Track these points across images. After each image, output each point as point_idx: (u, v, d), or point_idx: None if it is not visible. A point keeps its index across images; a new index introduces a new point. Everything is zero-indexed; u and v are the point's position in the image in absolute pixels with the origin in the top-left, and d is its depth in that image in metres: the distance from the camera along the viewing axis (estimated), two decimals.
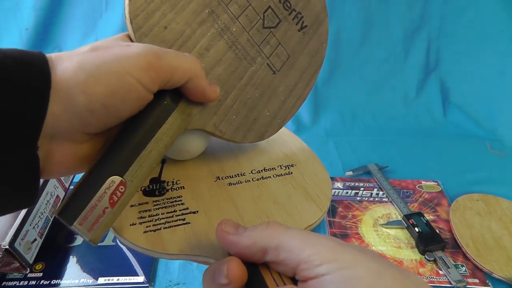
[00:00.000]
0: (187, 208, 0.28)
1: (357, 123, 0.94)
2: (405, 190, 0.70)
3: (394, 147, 0.84)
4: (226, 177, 0.31)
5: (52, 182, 0.58)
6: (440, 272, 0.55)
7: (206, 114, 0.28)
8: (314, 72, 0.33)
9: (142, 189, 0.30)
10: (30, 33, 0.96)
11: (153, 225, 0.27)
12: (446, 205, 0.67)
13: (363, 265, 0.19)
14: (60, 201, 0.61)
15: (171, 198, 0.29)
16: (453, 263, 0.56)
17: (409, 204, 0.66)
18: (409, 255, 0.58)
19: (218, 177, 0.31)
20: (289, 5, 0.31)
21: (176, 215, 0.28)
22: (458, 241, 0.59)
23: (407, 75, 0.99)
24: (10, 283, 0.53)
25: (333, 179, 0.73)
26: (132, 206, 0.28)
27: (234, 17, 0.29)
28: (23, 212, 0.51)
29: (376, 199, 0.68)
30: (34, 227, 0.53)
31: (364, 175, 0.75)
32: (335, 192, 0.69)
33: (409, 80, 0.99)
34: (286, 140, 0.37)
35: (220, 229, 0.23)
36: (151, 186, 0.30)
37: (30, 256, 0.52)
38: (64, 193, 0.62)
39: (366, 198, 0.68)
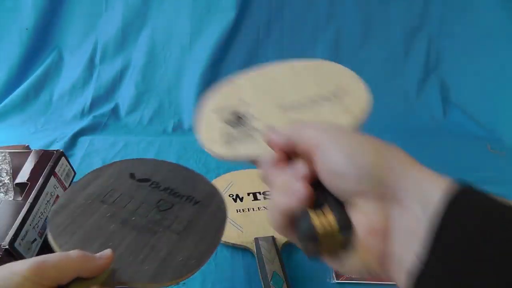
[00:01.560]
0: (257, 131, 0.37)
1: None
2: None
3: None
4: (289, 105, 0.39)
5: (52, 182, 0.58)
6: None
7: (119, 273, 0.33)
8: (220, 224, 0.41)
9: (226, 121, 0.39)
10: (30, 33, 0.96)
11: (231, 141, 0.36)
12: None
13: (355, 138, 0.26)
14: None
15: (246, 125, 0.38)
16: None
17: None
18: None
19: (283, 107, 0.40)
20: (178, 194, 0.42)
21: (248, 135, 0.37)
22: None
23: (407, 75, 0.99)
24: None
25: None
26: (218, 131, 0.38)
27: (132, 212, 0.39)
28: (23, 212, 0.51)
29: None
30: (34, 227, 0.53)
31: None
32: None
33: (409, 80, 0.99)
34: (340, 73, 0.46)
35: (266, 132, 0.31)
36: (232, 119, 0.38)
37: (30, 256, 0.52)
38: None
39: None
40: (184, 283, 0.54)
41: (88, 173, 0.43)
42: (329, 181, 0.25)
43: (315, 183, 0.26)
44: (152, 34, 0.96)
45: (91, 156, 0.81)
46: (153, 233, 0.37)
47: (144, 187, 0.42)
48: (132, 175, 0.43)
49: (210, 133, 0.38)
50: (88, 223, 0.36)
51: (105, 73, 0.98)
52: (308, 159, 0.27)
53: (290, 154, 0.29)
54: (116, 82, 0.98)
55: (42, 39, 0.98)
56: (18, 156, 0.61)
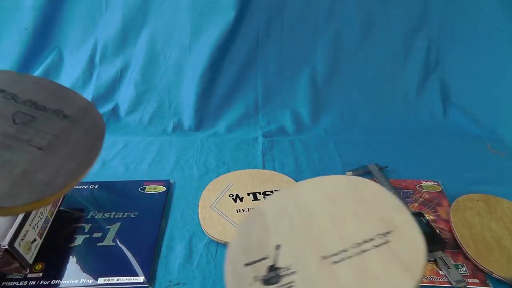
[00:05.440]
0: None
1: (357, 123, 0.94)
2: (405, 190, 0.70)
3: (394, 147, 0.84)
4: (330, 255, 0.34)
5: None
6: (440, 272, 0.55)
7: None
8: (95, 139, 0.34)
9: (262, 279, 0.34)
10: (30, 33, 0.96)
11: None
12: (446, 205, 0.67)
13: None
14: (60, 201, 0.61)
15: (285, 284, 0.33)
16: (453, 263, 0.56)
17: (409, 204, 0.66)
18: None
19: (324, 256, 0.34)
20: (42, 106, 0.35)
21: None
22: (458, 241, 0.59)
23: (407, 75, 0.99)
24: (10, 283, 0.53)
25: None
26: None
27: None
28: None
29: None
30: (34, 227, 0.53)
31: (364, 175, 0.75)
32: None
33: (409, 80, 0.99)
34: (383, 200, 0.39)
35: None
36: (268, 275, 0.34)
37: (29, 256, 0.52)
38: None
39: None
40: (184, 283, 0.54)
41: None
42: None
43: None
44: (152, 34, 0.96)
45: None
46: (6, 148, 0.30)
47: None
48: None
49: None
50: None
51: (105, 73, 0.98)
52: None
53: None
54: (116, 82, 0.98)
55: (42, 39, 0.98)
56: None
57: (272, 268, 0.34)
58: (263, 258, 0.35)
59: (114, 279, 0.54)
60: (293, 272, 0.34)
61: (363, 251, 0.34)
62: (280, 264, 0.35)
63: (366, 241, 0.35)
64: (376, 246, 0.34)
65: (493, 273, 0.54)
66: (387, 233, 0.35)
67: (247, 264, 0.35)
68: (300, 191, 0.42)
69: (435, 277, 0.54)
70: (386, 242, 0.34)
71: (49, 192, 0.28)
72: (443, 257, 0.56)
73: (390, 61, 0.98)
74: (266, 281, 0.34)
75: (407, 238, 0.34)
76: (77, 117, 0.35)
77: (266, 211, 0.41)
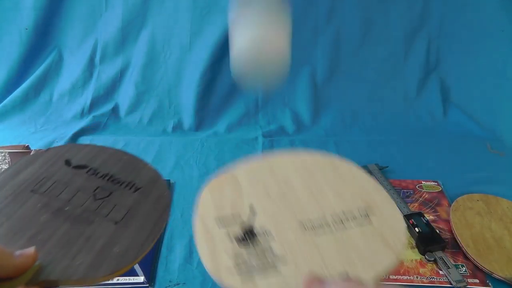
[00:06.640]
0: (278, 257, 0.31)
1: (357, 123, 0.94)
2: (405, 190, 0.70)
3: (394, 147, 0.84)
4: (312, 227, 0.34)
5: None
6: (440, 272, 0.55)
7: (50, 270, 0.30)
8: (162, 212, 0.37)
9: (237, 239, 0.33)
10: (30, 33, 0.96)
11: (248, 273, 0.30)
12: (446, 205, 0.67)
13: None
14: None
15: (263, 248, 0.32)
16: (453, 263, 0.56)
17: (409, 204, 0.66)
18: (409, 255, 0.58)
19: (304, 226, 0.34)
20: (118, 180, 0.38)
21: (267, 264, 0.31)
22: (458, 241, 0.59)
23: (407, 75, 0.99)
24: None
25: None
26: (228, 255, 0.32)
27: (66, 201, 0.35)
28: None
29: None
30: None
31: None
32: None
33: (409, 80, 0.99)
34: (360, 179, 0.39)
35: (306, 283, 0.27)
36: (245, 238, 0.33)
37: None
38: None
39: None
40: (184, 283, 0.54)
41: (19, 160, 0.40)
42: None
43: None
44: (152, 34, 0.96)
45: None
46: (89, 223, 0.34)
47: (80, 174, 0.38)
48: (67, 162, 0.40)
49: (221, 257, 0.31)
50: (16, 215, 0.33)
51: (105, 73, 0.98)
52: None
53: None
54: (116, 82, 0.98)
55: (42, 39, 0.98)
56: (18, 156, 0.61)
57: (248, 229, 0.34)
58: (237, 217, 0.34)
59: (114, 279, 0.54)
60: (271, 236, 0.33)
61: (343, 223, 0.33)
62: (256, 226, 0.34)
63: (345, 214, 0.34)
64: (356, 218, 0.34)
65: (493, 273, 0.54)
66: (367, 207, 0.35)
67: (219, 221, 0.35)
68: (275, 161, 0.41)
69: (435, 277, 0.54)
70: (366, 216, 0.34)
71: (123, 264, 0.31)
72: (443, 257, 0.56)
73: (390, 61, 0.99)
74: (242, 241, 0.33)
75: (387, 217, 0.34)
76: (147, 189, 0.38)
77: (239, 175, 0.40)
